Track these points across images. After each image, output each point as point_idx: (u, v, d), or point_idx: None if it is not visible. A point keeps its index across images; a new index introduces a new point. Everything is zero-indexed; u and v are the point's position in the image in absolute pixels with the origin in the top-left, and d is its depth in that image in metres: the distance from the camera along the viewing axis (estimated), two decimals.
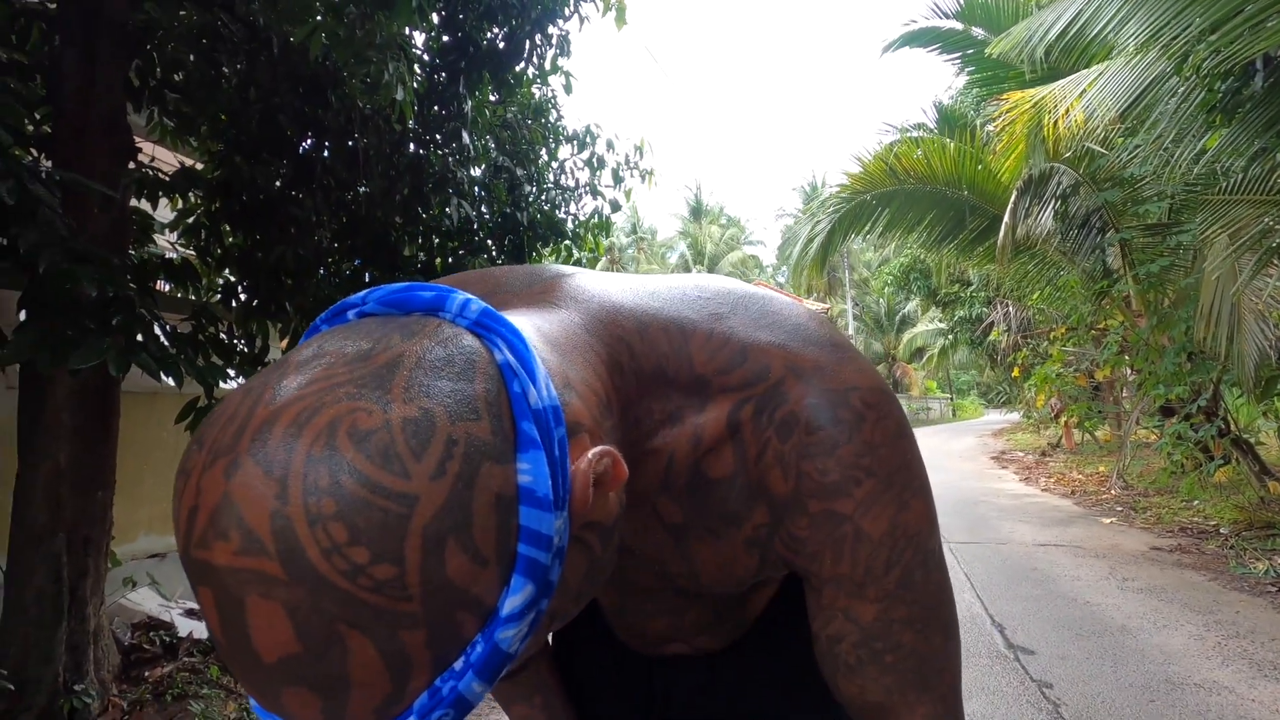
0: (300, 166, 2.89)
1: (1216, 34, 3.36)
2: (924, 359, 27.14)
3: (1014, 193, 6.08)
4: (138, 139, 2.93)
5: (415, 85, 2.47)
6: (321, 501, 0.29)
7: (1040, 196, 6.19)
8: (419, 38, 2.89)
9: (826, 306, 24.81)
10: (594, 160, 3.37)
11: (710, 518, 0.51)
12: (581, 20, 2.84)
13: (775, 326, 0.51)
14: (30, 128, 2.60)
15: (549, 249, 3.26)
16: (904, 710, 0.50)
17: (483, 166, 3.10)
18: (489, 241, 3.18)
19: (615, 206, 3.48)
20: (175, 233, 3.04)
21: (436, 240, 3.21)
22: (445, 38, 2.91)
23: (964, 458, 12.89)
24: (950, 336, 17.15)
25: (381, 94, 2.06)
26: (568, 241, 3.27)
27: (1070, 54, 4.71)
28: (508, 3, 2.73)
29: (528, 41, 2.69)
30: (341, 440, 0.30)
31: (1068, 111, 4.86)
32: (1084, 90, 4.77)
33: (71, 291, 2.02)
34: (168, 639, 2.85)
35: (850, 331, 26.96)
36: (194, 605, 3.19)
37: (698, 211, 43.05)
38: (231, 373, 2.57)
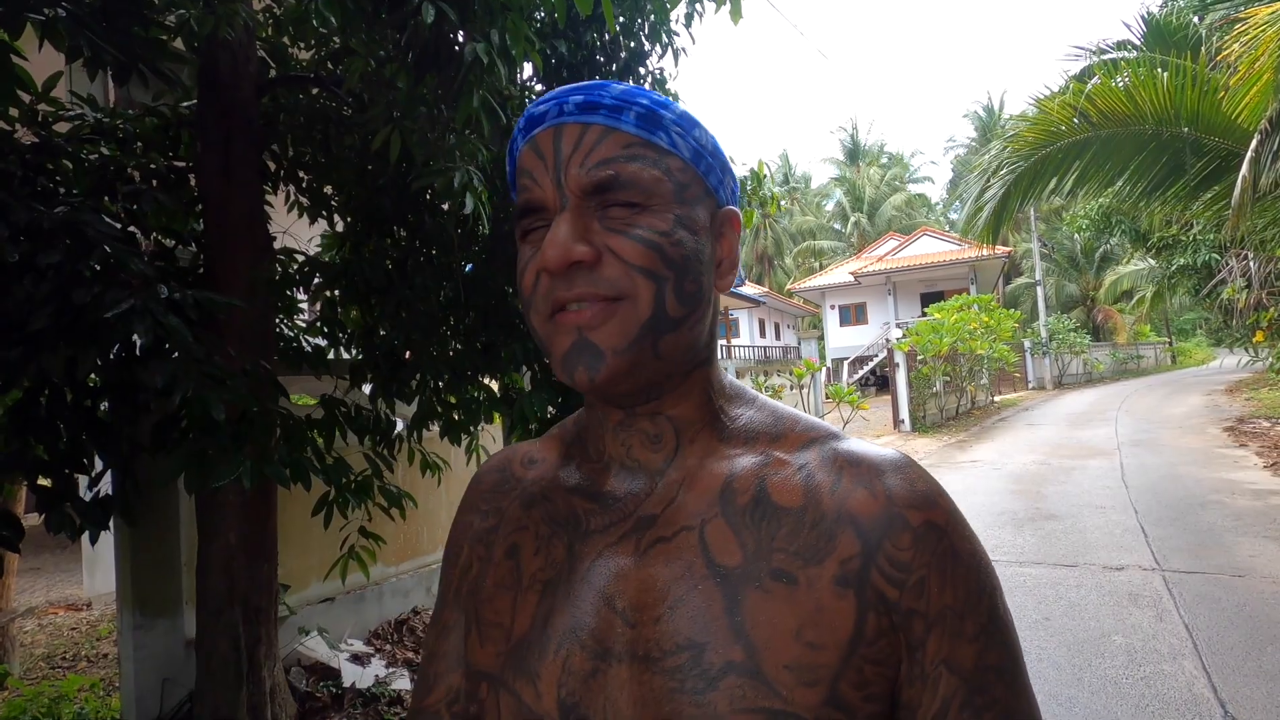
0: (407, 242, 2.90)
1: None
2: (1133, 301, 23.43)
3: (1257, 135, 4.79)
4: (279, 210, 3.12)
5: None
6: None
7: None
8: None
9: (1007, 250, 22.10)
10: None
11: (782, 555, 0.46)
12: (677, 54, 2.50)
13: None
14: (173, 243, 2.82)
15: None
16: None
17: None
18: None
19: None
20: (310, 312, 3.22)
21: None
22: (539, 86, 2.74)
23: (1186, 429, 10.92)
24: (1168, 281, 14.46)
25: (454, 200, 1.94)
26: None
27: None
28: (605, 44, 2.49)
29: (640, 68, 2.42)
30: None
31: None
32: None
33: (204, 417, 2.15)
34: (334, 690, 3.13)
35: (1038, 275, 23.88)
36: (359, 650, 3.47)
37: (854, 154, 40.16)
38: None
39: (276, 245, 2.90)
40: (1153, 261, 15.61)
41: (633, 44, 2.39)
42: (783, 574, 0.45)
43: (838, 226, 39.00)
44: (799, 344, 24.63)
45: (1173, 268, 11.70)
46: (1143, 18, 7.80)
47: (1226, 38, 4.88)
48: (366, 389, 2.98)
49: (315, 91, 3.00)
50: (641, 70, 2.47)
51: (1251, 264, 8.59)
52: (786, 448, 0.52)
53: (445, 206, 2.64)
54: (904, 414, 13.52)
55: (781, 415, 0.55)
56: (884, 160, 41.15)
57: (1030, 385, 21.94)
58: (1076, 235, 25.55)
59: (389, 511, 2.86)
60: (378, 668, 3.36)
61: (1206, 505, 6.24)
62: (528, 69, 2.59)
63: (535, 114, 0.50)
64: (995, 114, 36.53)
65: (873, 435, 12.67)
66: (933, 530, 0.45)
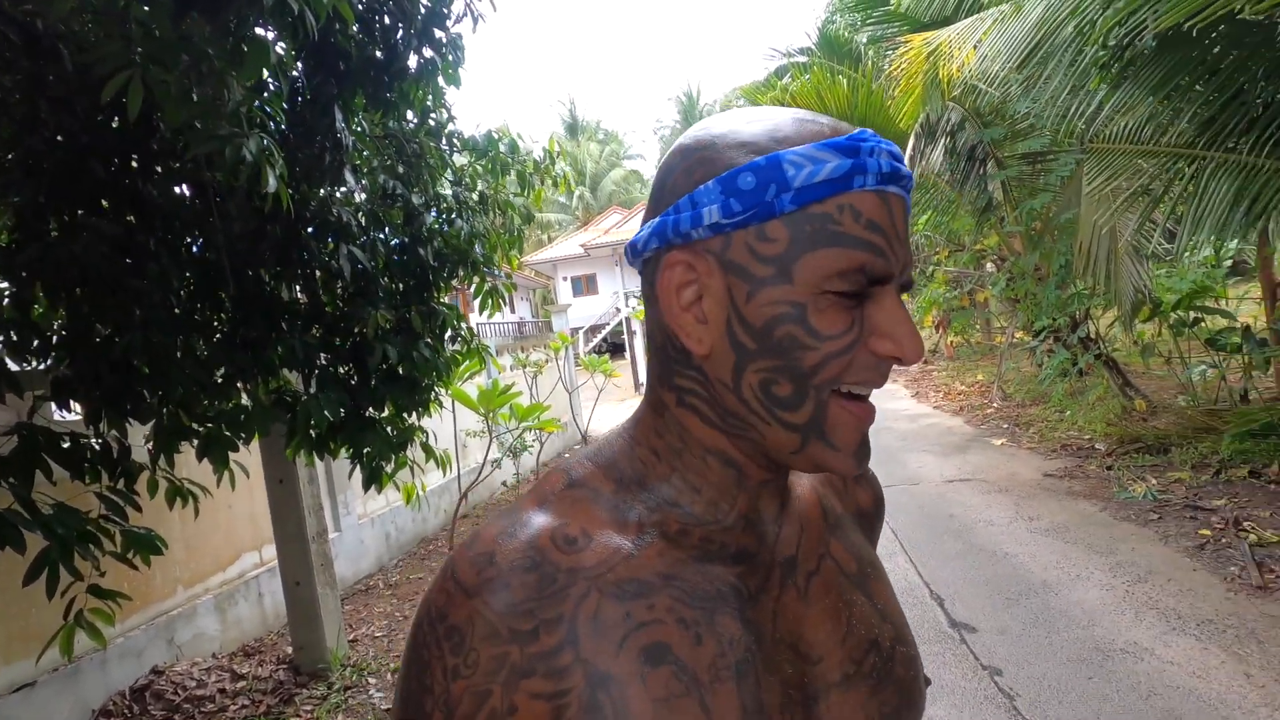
0: (135, 219, 2.29)
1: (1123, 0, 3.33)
2: None
3: (912, 137, 6.07)
4: None
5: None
6: None
7: (934, 136, 6.24)
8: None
9: None
10: (497, 168, 2.92)
11: (864, 547, 0.58)
12: (475, 19, 2.33)
13: None
14: None
15: (458, 279, 2.85)
16: None
17: (366, 196, 2.61)
18: (387, 281, 2.73)
19: (527, 218, 3.07)
20: None
21: (321, 278, 2.73)
22: (300, 64, 2.32)
23: None
24: None
25: (241, 177, 1.58)
26: (475, 271, 2.86)
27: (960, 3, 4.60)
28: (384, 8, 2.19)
29: (413, 54, 2.17)
30: None
31: (965, 62, 4.80)
32: (981, 38, 4.71)
33: None
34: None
35: None
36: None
37: (574, 129, 41.31)
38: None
39: None
40: None
41: (428, 2, 2.15)
42: (871, 562, 0.57)
43: (563, 200, 39.98)
44: (535, 317, 24.97)
45: None
46: (818, 29, 9.26)
47: (893, 55, 6.04)
48: (79, 408, 2.31)
49: None
50: (439, 33, 2.24)
51: None
52: None
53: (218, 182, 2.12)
54: (643, 377, 14.67)
55: None
56: (601, 136, 43.08)
57: None
58: None
59: (131, 560, 2.28)
60: None
61: (882, 430, 7.89)
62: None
63: (895, 168, 0.43)
64: (694, 101, 40.42)
65: (618, 398, 13.50)
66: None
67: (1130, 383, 6.45)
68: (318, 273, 2.76)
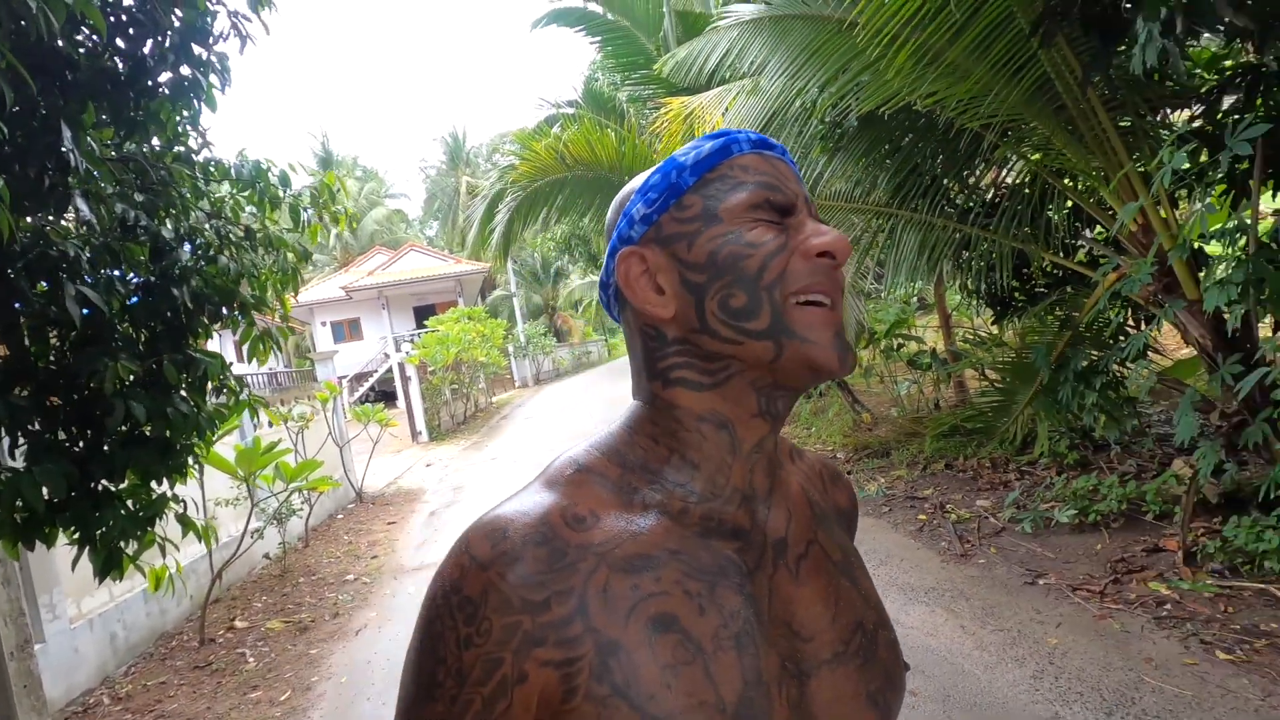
0: None
1: (835, 87, 4.07)
2: (581, 308, 29.17)
3: None
4: None
5: None
6: None
7: None
8: None
9: (485, 265, 24.72)
10: (265, 201, 2.64)
11: (845, 538, 0.63)
12: (244, 39, 2.10)
13: None
14: None
15: (220, 325, 2.50)
16: None
17: (100, 227, 2.21)
18: (127, 326, 2.31)
19: (305, 255, 2.80)
20: None
21: (26, 324, 2.23)
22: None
23: (628, 400, 14.35)
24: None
25: None
26: (240, 314, 2.53)
27: (714, 75, 5.28)
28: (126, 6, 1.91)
29: (166, 70, 1.90)
30: None
31: (716, 125, 5.46)
32: (728, 106, 5.42)
33: None
34: None
35: (512, 286, 27.44)
36: None
37: (327, 163, 38.43)
38: None
39: None
40: (597, 276, 19.97)
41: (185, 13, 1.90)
42: (853, 552, 0.61)
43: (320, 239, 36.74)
44: (289, 366, 22.43)
45: None
46: (586, 83, 9.86)
47: (651, 114, 6.63)
48: None
49: None
50: (199, 50, 1.98)
51: None
52: (789, 456, 0.65)
53: None
54: (420, 425, 13.88)
55: None
56: (359, 173, 40.66)
57: (517, 385, 25.09)
58: (536, 253, 30.27)
59: None
60: None
61: None
62: None
63: (764, 139, 0.55)
64: (460, 142, 40.07)
65: (394, 449, 12.62)
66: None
67: (858, 400, 7.68)
68: (22, 319, 2.25)
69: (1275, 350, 2.99)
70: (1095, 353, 4.36)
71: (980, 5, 3.31)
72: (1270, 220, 4.05)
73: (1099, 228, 4.58)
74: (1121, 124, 3.73)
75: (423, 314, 23.55)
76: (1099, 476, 4.37)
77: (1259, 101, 3.33)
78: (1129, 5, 2.49)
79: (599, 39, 8.96)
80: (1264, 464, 3.37)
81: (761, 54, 4.32)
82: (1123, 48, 3.24)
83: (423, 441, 13.56)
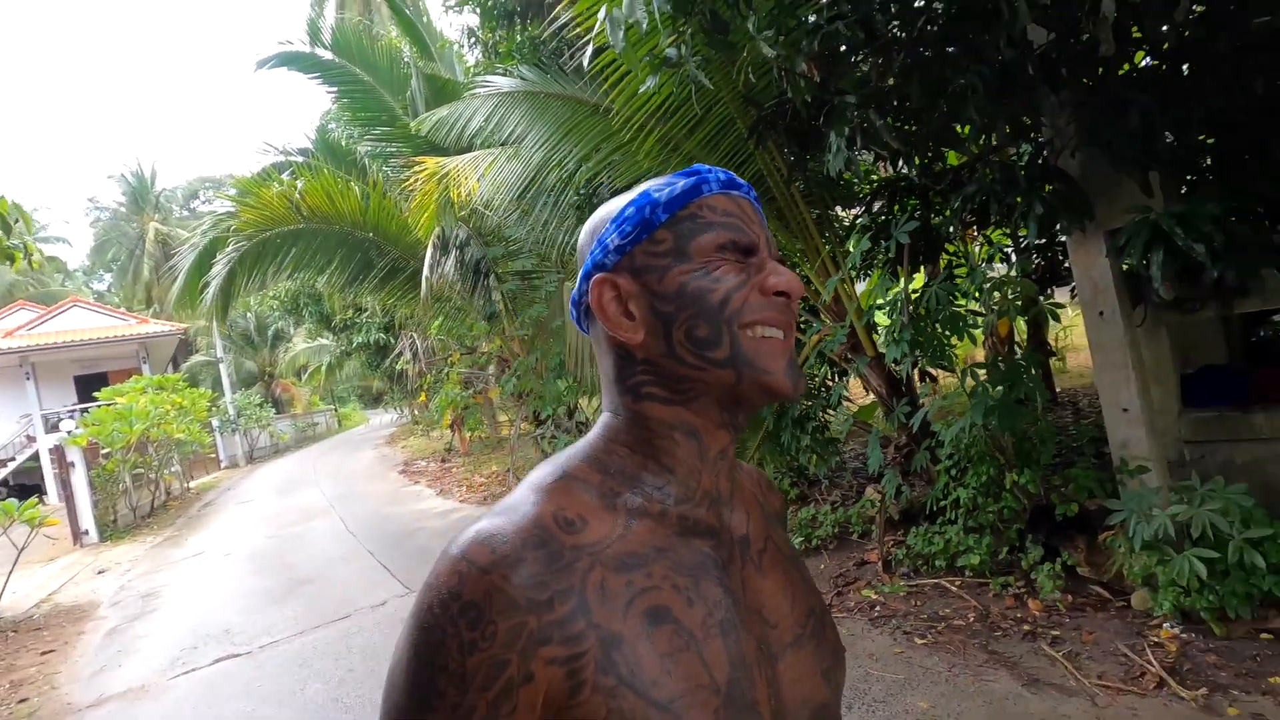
0: None
1: (591, 162, 4.41)
2: (308, 374, 26.24)
3: (429, 248, 6.52)
4: None
5: None
6: None
7: (447, 249, 6.84)
8: None
9: (183, 327, 21.09)
10: None
11: (787, 538, 0.69)
12: None
13: None
14: None
15: None
16: None
17: None
18: None
19: None
20: None
21: None
22: None
23: (373, 478, 13.15)
24: (347, 355, 17.06)
25: None
26: None
27: (475, 139, 5.36)
28: None
29: None
30: None
31: (473, 190, 5.51)
32: (484, 171, 5.51)
33: None
34: None
35: (219, 351, 23.72)
36: None
37: None
38: None
39: None
40: (330, 339, 18.13)
41: None
42: (794, 547, 0.69)
43: None
44: None
45: (354, 343, 14.10)
46: (320, 131, 9.24)
47: (397, 171, 6.45)
48: None
49: None
50: None
51: (416, 341, 11.35)
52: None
53: None
54: (88, 521, 11.06)
55: None
56: None
57: (224, 465, 21.47)
58: (249, 314, 26.70)
59: None
60: None
61: (414, 533, 7.81)
62: None
63: (732, 179, 0.59)
64: (146, 183, 34.26)
65: (48, 558, 9.86)
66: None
67: None
68: None
69: (926, 394, 3.89)
70: (807, 402, 5.19)
71: (710, 107, 3.90)
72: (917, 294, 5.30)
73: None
74: (814, 214, 4.63)
75: (89, 384, 19.17)
76: (815, 507, 5.14)
77: (904, 203, 4.39)
78: (822, 121, 3.17)
79: (335, 89, 8.51)
80: (925, 485, 4.30)
81: (521, 125, 4.52)
82: (811, 158, 4.06)
83: (90, 543, 10.82)
